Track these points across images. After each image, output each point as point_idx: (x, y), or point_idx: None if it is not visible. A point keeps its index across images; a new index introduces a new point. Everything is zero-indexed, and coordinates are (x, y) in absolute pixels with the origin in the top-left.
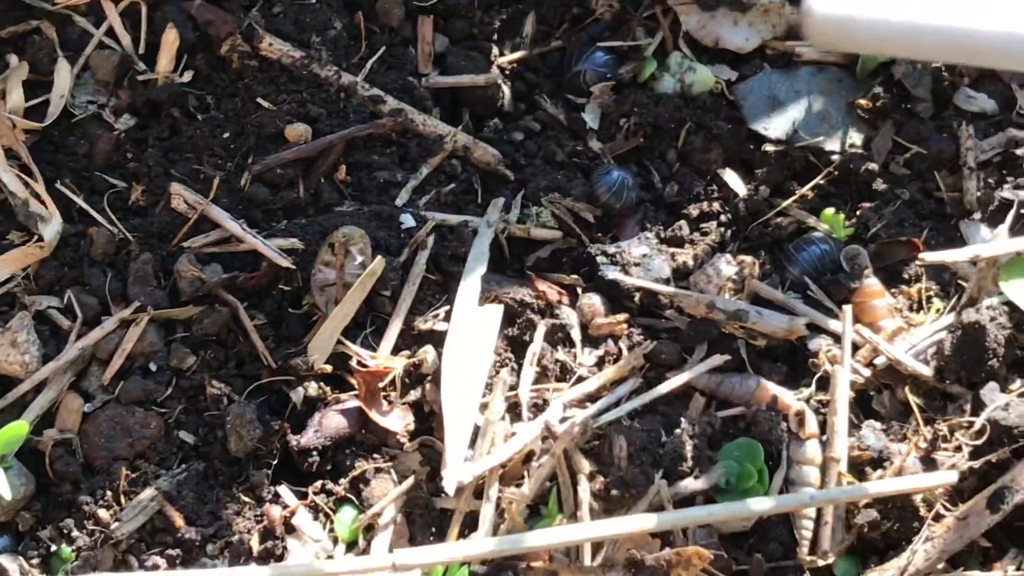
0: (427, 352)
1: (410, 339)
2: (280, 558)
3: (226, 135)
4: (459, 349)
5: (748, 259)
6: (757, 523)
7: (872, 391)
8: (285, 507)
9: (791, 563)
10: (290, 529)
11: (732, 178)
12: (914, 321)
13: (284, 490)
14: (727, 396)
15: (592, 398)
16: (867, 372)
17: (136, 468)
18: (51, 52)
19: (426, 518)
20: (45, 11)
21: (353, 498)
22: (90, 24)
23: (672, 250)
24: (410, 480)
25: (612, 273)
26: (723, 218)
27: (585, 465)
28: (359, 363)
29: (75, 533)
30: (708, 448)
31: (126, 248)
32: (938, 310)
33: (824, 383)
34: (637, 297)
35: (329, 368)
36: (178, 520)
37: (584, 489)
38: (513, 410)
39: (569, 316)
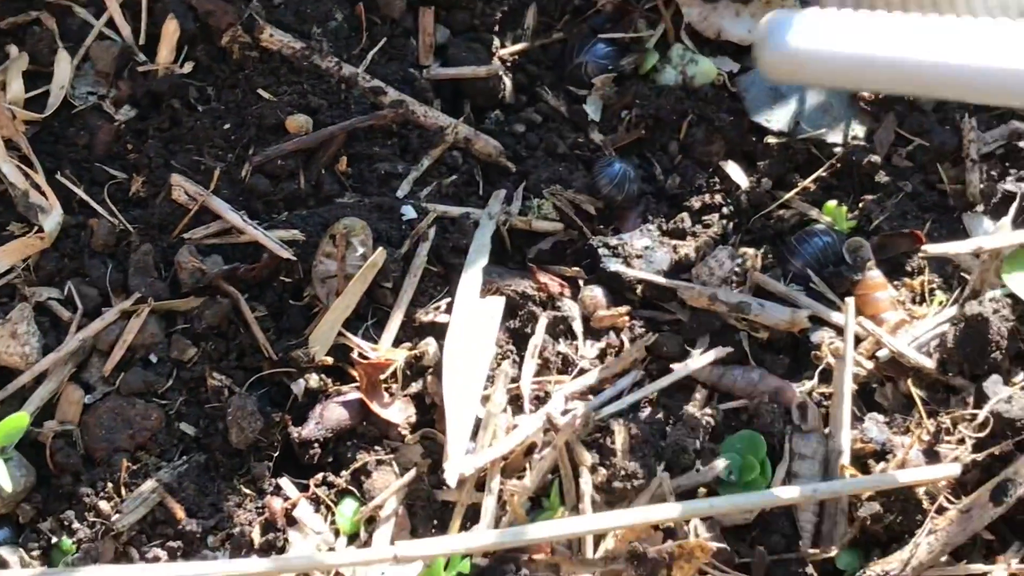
0: (428, 344)
1: (411, 331)
2: (282, 550)
3: (227, 126)
4: (461, 341)
5: (750, 251)
6: (759, 516)
7: (875, 384)
8: (286, 499)
9: (794, 556)
10: (291, 521)
11: (734, 170)
12: (917, 313)
13: (285, 482)
14: (729, 388)
15: (594, 390)
16: (870, 365)
17: (137, 460)
18: (51, 43)
19: (428, 510)
20: (45, 2)
21: (354, 490)
22: (90, 15)
23: (674, 242)
24: (412, 472)
25: (614, 265)
26: (725, 210)
27: (587, 457)
28: (360, 355)
29: (76, 525)
30: (710, 441)
31: (126, 239)
32: (941, 302)
33: (826, 375)
34: (639, 289)
35: (330, 360)
36: (179, 512)
37: (586, 481)
38: (515, 402)
39: (571, 308)
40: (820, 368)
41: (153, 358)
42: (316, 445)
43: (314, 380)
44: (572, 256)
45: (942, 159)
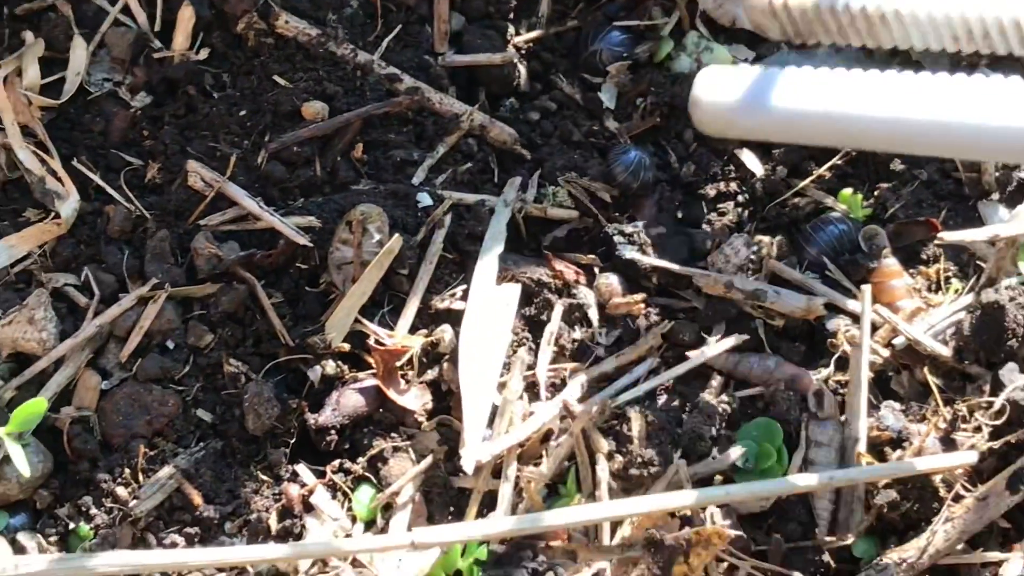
0: (444, 331)
1: (427, 318)
2: (299, 537)
3: (242, 113)
4: (477, 328)
5: (766, 239)
6: (776, 503)
7: (891, 371)
8: (303, 486)
9: (810, 543)
10: (308, 508)
11: (749, 158)
12: (932, 301)
13: (302, 469)
14: (745, 376)
15: (610, 378)
16: (886, 352)
17: (154, 446)
18: (67, 29)
19: (444, 497)
20: None
21: (371, 477)
22: (105, 1)
23: (690, 230)
24: (428, 459)
25: (629, 253)
26: (740, 198)
27: (603, 444)
28: (376, 342)
29: (93, 511)
30: (726, 428)
31: (143, 226)
32: (956, 290)
33: (842, 363)
34: (654, 277)
35: (347, 347)
36: (196, 498)
37: (603, 468)
38: (531, 389)
39: (586, 296)
40: (836, 356)
41: (170, 344)
42: (333, 432)
43: (330, 367)
44: (587, 244)
45: None
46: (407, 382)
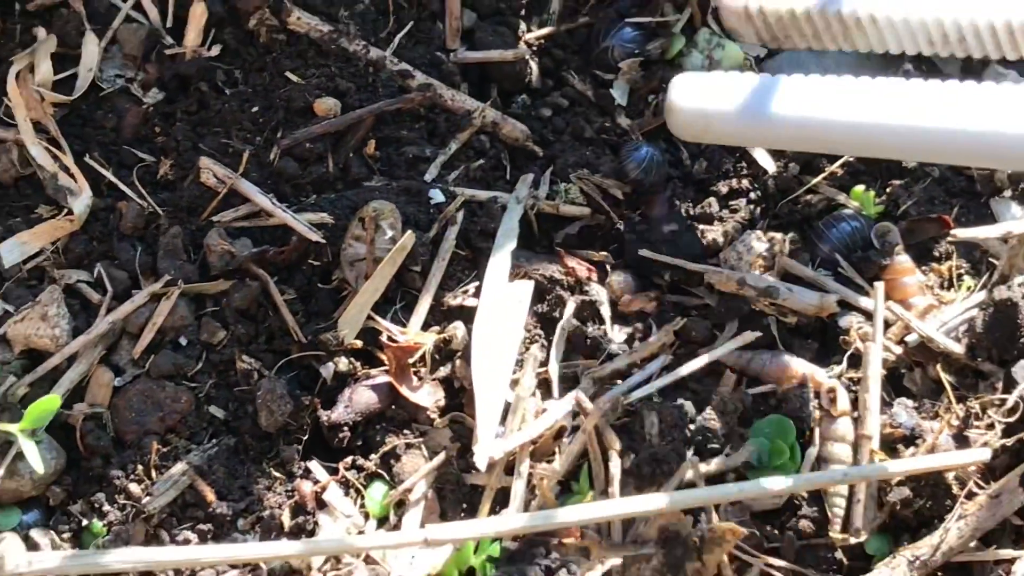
0: (457, 328)
1: (440, 315)
2: (311, 533)
3: (255, 109)
4: (489, 325)
5: (778, 236)
6: (788, 500)
7: (903, 369)
8: (316, 482)
9: (823, 541)
10: (321, 504)
11: (761, 155)
12: (945, 299)
13: (315, 465)
14: (758, 373)
15: (622, 375)
16: (898, 350)
17: (167, 442)
18: (79, 25)
19: (457, 494)
20: None
21: (384, 474)
22: None
23: (702, 227)
24: (441, 456)
25: (642, 250)
26: (752, 195)
27: (616, 442)
28: (389, 338)
29: (106, 507)
30: (739, 425)
31: (156, 222)
32: (969, 287)
33: (855, 360)
34: (667, 274)
35: (359, 343)
36: (209, 495)
37: (615, 465)
38: (543, 386)
39: (599, 293)
40: (849, 353)
41: (183, 341)
42: (345, 428)
43: (343, 363)
44: (600, 240)
45: None
46: (420, 379)
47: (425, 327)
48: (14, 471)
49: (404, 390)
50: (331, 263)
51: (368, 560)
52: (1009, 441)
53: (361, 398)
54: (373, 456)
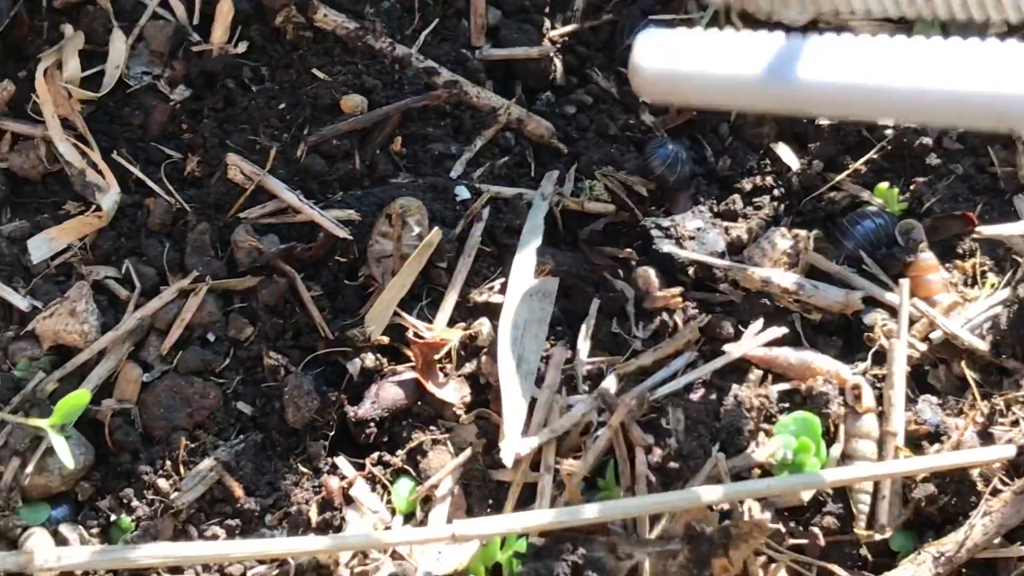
0: (483, 324)
1: (465, 311)
2: (339, 529)
3: (281, 106)
4: (515, 321)
5: (803, 233)
6: (814, 497)
7: (928, 366)
8: (343, 478)
9: (848, 537)
10: (348, 500)
11: (785, 152)
12: (968, 296)
13: (342, 461)
14: (783, 370)
15: (648, 371)
16: (923, 347)
17: (195, 438)
18: (106, 22)
19: (483, 490)
20: None
21: (410, 469)
22: None
23: (726, 224)
24: (467, 452)
25: (666, 246)
26: (776, 192)
27: (642, 438)
28: (415, 335)
29: (135, 503)
30: (765, 421)
31: (183, 218)
32: (993, 285)
33: (880, 357)
34: (691, 271)
35: (386, 339)
36: (237, 490)
37: (641, 462)
38: (569, 383)
39: (624, 289)
40: (873, 350)
41: (211, 337)
42: (372, 424)
43: (370, 359)
44: (624, 237)
45: (992, 142)
46: (446, 375)
47: (451, 323)
48: (43, 467)
49: (430, 386)
50: (358, 260)
51: (395, 556)
52: None
53: (387, 394)
54: (400, 452)
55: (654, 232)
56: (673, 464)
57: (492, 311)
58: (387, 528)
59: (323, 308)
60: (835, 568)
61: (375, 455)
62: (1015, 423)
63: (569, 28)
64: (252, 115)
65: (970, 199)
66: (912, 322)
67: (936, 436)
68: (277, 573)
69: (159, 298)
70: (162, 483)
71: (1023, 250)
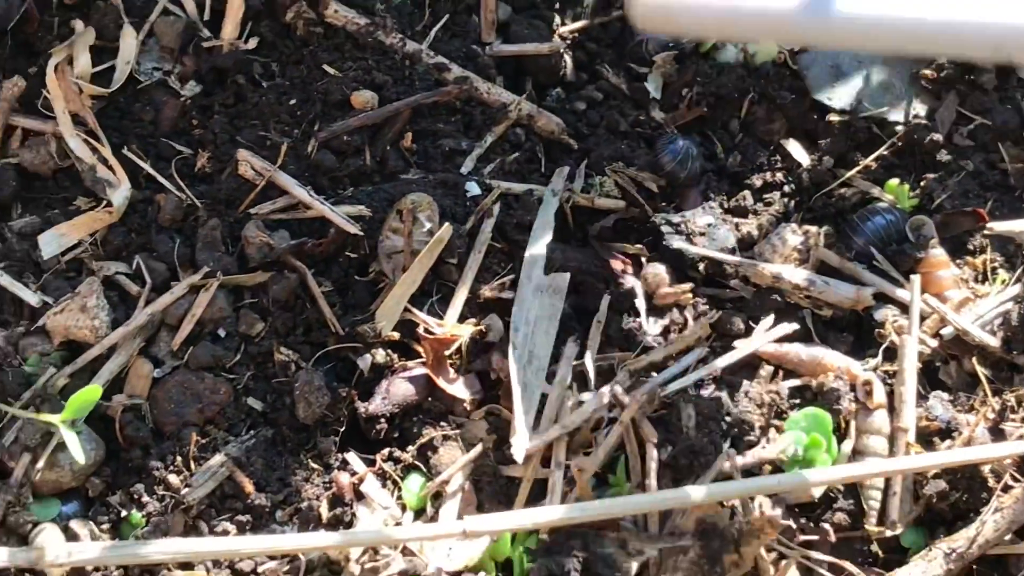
0: (493, 320)
1: (476, 307)
2: (349, 525)
3: (292, 102)
4: (525, 317)
5: (813, 229)
6: (825, 493)
7: (938, 362)
8: (353, 474)
9: (859, 533)
10: (359, 496)
11: (795, 148)
12: (979, 292)
13: (352, 457)
14: (794, 366)
15: (658, 367)
16: (934, 343)
17: (206, 434)
18: (116, 18)
19: (494, 486)
20: None
21: (421, 465)
22: None
23: (736, 220)
24: (477, 448)
25: (677, 242)
26: (787, 188)
27: (653, 434)
28: (426, 331)
29: (145, 498)
30: (775, 418)
31: (194, 214)
32: (1003, 281)
33: (890, 353)
34: (702, 267)
35: (396, 335)
36: (248, 486)
37: (652, 458)
38: (580, 379)
39: (634, 285)
40: (884, 346)
41: (221, 332)
42: (382, 420)
43: (380, 355)
44: (635, 233)
45: (1003, 138)
46: (456, 371)
47: (462, 319)
48: (54, 462)
49: (441, 382)
50: (368, 255)
51: (406, 551)
52: None
53: (398, 390)
54: (410, 448)
55: (664, 228)
56: (684, 460)
57: (503, 307)
58: (398, 524)
59: (334, 304)
60: (846, 564)
61: (385, 451)
62: None
63: (579, 24)
64: (263, 111)
65: (981, 195)
66: (923, 318)
67: (947, 432)
68: (288, 569)
69: (170, 294)
70: (173, 479)
71: None
